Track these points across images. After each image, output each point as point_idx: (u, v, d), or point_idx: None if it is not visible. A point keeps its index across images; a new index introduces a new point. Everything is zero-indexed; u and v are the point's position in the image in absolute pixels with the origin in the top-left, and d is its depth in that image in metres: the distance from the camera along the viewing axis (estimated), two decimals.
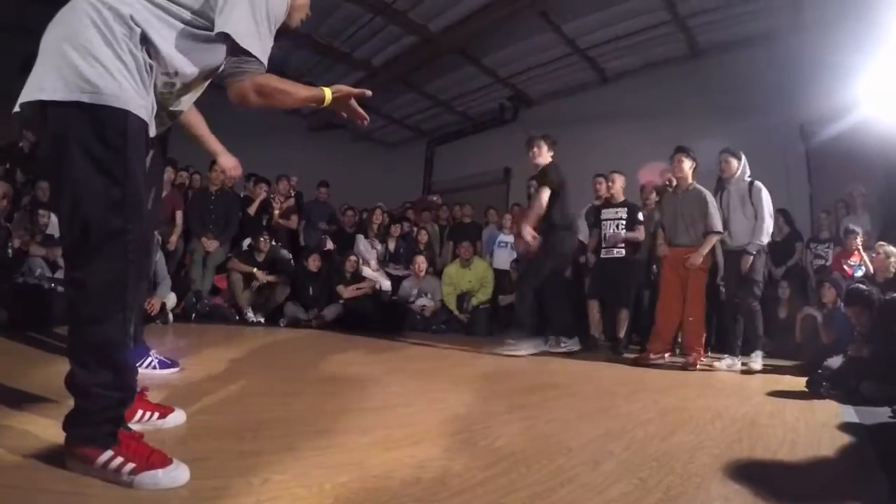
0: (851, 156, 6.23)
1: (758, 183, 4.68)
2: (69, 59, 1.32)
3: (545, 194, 5.01)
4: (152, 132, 1.52)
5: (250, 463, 1.51)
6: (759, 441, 2.24)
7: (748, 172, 4.78)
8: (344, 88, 1.71)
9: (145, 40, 1.39)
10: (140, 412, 1.71)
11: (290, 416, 2.10)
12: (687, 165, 4.90)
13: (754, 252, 4.58)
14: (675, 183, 5.05)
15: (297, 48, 9.07)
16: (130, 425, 1.56)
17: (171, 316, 5.20)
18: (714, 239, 4.76)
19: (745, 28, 7.53)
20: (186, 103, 1.68)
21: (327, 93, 1.68)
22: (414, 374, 3.53)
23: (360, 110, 1.81)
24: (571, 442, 2.02)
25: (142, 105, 1.40)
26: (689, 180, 4.92)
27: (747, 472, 1.77)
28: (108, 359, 1.35)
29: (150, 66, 1.43)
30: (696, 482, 1.65)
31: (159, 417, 1.76)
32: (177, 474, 1.32)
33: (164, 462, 1.33)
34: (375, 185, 10.68)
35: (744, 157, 4.78)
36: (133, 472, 1.29)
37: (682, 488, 1.58)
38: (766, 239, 4.62)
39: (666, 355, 4.98)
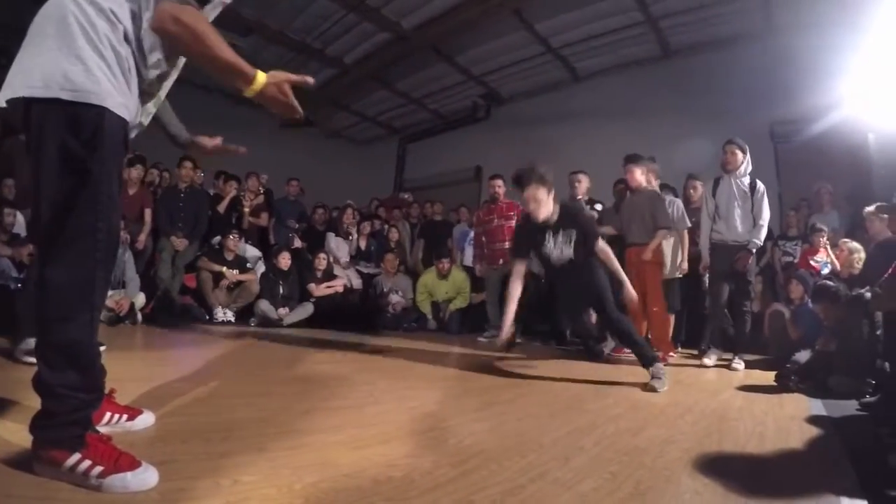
0: (819, 155, 6.37)
1: (761, 184, 4.63)
2: (51, 55, 1.30)
3: None
4: (134, 131, 1.51)
5: (219, 464, 1.49)
6: (728, 435, 2.26)
7: (751, 168, 4.72)
8: (281, 75, 1.51)
9: (127, 36, 1.38)
10: (108, 414, 1.67)
11: (260, 416, 2.06)
12: (638, 173, 5.05)
13: (754, 251, 4.58)
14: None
15: (269, 44, 8.95)
16: (99, 428, 1.52)
17: (139, 316, 5.09)
18: (663, 234, 4.89)
19: (716, 30, 7.62)
20: (166, 88, 1.65)
21: (260, 76, 1.46)
22: (384, 373, 3.49)
23: (296, 103, 1.55)
24: (542, 438, 2.01)
25: (121, 103, 1.37)
26: (643, 184, 5.06)
27: (717, 466, 1.79)
28: (74, 359, 1.32)
29: (136, 61, 1.41)
30: (665, 476, 1.66)
31: (128, 419, 1.73)
32: (145, 477, 1.30)
33: (133, 465, 1.31)
34: (347, 183, 10.57)
35: (748, 152, 4.71)
36: (101, 475, 1.27)
37: (652, 482, 1.59)
38: (762, 240, 4.63)
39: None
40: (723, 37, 7.66)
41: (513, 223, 6.23)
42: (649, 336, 5.12)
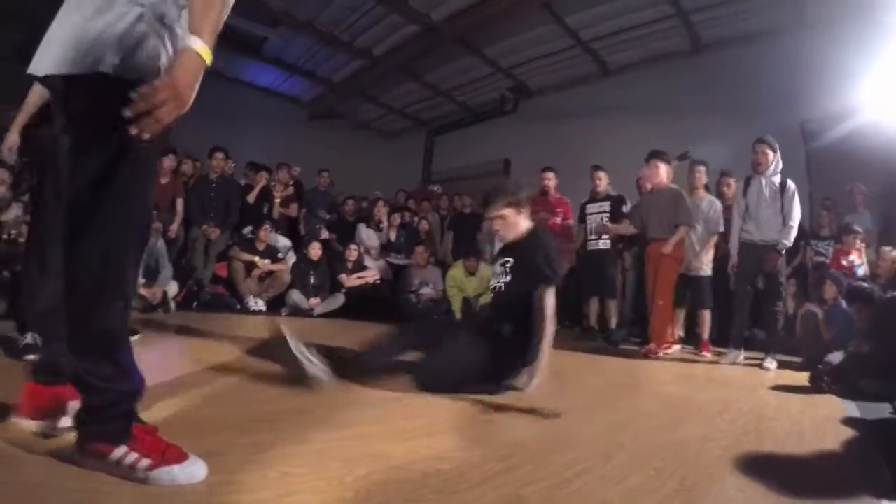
0: (851, 155, 6.22)
1: (791, 183, 4.58)
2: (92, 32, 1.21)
3: None
4: None
5: (265, 456, 1.49)
6: (766, 434, 2.27)
7: (780, 167, 4.67)
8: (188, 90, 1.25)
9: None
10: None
11: (301, 407, 2.09)
12: (662, 170, 5.02)
13: (783, 251, 4.54)
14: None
15: (297, 36, 9.03)
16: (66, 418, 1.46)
17: (172, 304, 5.18)
18: (683, 231, 4.86)
19: (747, 24, 7.48)
20: None
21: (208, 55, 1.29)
22: None
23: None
24: (581, 434, 2.04)
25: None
26: (665, 182, 5.04)
27: (757, 465, 1.80)
28: (108, 350, 1.28)
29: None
30: (708, 473, 1.68)
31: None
32: (193, 470, 1.29)
33: (181, 457, 1.29)
34: (374, 175, 10.61)
35: (778, 150, 4.66)
36: (149, 468, 1.25)
37: (696, 479, 1.61)
38: (793, 240, 4.58)
39: (675, 347, 5.10)
40: (754, 31, 7.52)
41: (558, 220, 6.27)
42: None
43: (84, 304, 1.26)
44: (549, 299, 2.77)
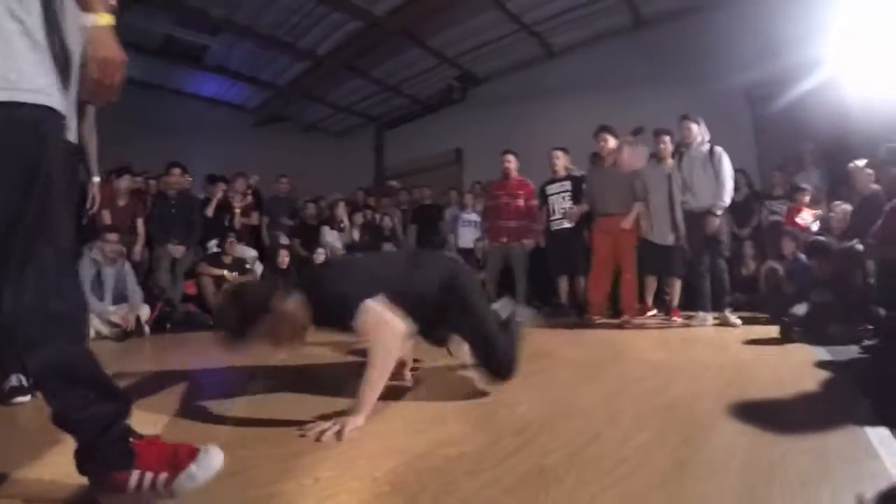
0: (796, 116, 6.50)
1: (718, 148, 4.89)
2: None
3: None
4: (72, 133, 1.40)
5: (294, 465, 1.52)
6: (749, 384, 2.42)
7: (707, 137, 5.00)
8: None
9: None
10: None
11: (309, 412, 2.07)
12: (611, 142, 5.41)
13: (719, 213, 4.79)
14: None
15: (239, 41, 8.86)
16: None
17: (147, 328, 5.08)
18: (640, 206, 5.25)
19: None
20: None
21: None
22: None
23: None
24: (581, 403, 2.15)
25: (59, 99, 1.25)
26: (615, 154, 5.40)
27: (748, 411, 1.93)
28: (73, 376, 1.21)
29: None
30: (705, 425, 1.80)
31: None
32: (209, 460, 1.26)
33: (192, 454, 1.25)
34: (327, 175, 10.59)
35: (702, 123, 5.01)
36: (167, 482, 1.21)
37: (695, 431, 1.73)
38: (728, 200, 4.84)
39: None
40: (694, 3, 7.69)
41: (521, 202, 6.35)
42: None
43: (29, 341, 1.20)
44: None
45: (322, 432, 1.77)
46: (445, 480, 1.37)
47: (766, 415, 1.89)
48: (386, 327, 1.99)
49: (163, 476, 1.21)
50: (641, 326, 5.01)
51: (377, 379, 1.94)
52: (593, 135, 5.53)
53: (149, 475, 1.21)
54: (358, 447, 1.68)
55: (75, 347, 1.25)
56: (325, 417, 1.90)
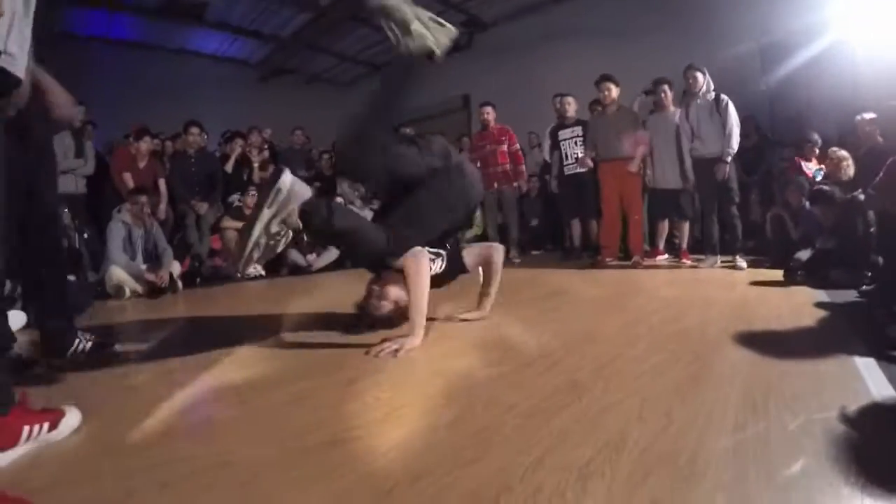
0: (806, 68, 6.56)
1: (724, 96, 5.02)
2: None
3: None
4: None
5: (351, 390, 1.74)
6: (753, 318, 2.64)
7: (713, 86, 5.13)
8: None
9: None
10: (26, 429, 1.33)
11: (350, 351, 2.25)
12: (614, 91, 5.60)
13: (728, 160, 4.95)
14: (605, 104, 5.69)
15: None
16: (18, 447, 1.31)
17: (180, 284, 5.26)
18: (643, 150, 5.47)
19: None
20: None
21: None
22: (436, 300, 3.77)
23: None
24: (603, 331, 2.41)
25: None
26: (617, 102, 5.61)
27: (750, 340, 2.16)
28: None
29: None
30: (712, 348, 2.03)
31: (50, 428, 1.39)
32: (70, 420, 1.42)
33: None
34: (334, 126, 10.61)
35: (707, 72, 5.14)
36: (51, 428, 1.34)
37: (704, 353, 1.96)
38: (735, 147, 4.99)
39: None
40: None
41: (504, 148, 6.62)
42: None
43: None
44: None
45: (384, 351, 2.08)
46: (491, 394, 1.60)
47: (767, 343, 2.11)
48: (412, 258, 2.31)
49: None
50: (653, 267, 5.30)
51: (420, 298, 2.25)
52: (595, 83, 5.66)
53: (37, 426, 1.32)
54: (407, 371, 1.92)
55: None
56: (388, 340, 2.18)
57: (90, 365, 2.13)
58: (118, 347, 2.45)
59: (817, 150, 5.76)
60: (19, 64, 1.34)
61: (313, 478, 1.11)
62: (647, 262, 5.48)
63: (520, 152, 6.83)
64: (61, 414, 1.43)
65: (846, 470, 1.04)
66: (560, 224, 6.92)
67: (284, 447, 1.27)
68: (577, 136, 6.29)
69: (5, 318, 1.47)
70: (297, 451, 1.24)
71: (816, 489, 0.99)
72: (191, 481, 1.12)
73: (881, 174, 3.30)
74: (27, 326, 2.54)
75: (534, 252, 7.43)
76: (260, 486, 1.09)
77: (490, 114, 6.76)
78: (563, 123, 6.51)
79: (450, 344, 2.32)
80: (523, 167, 6.89)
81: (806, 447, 1.15)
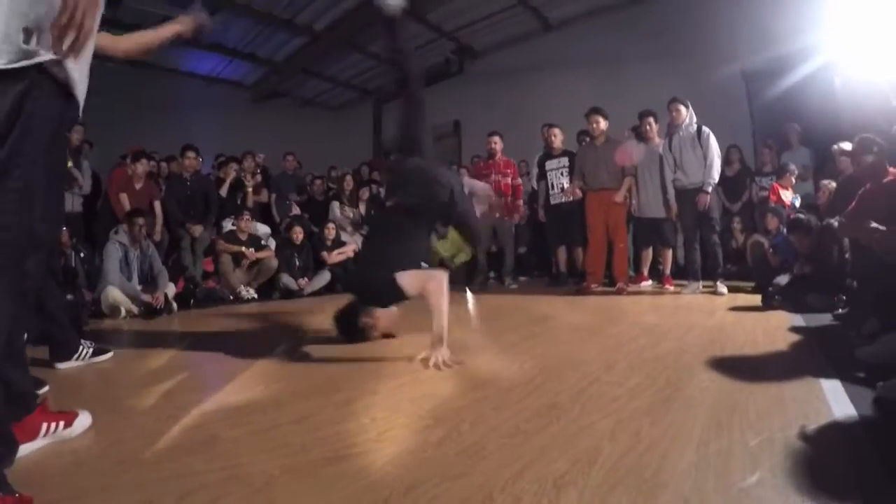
0: (790, 97, 6.77)
1: (705, 128, 5.26)
2: None
3: None
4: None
5: (349, 410, 1.83)
6: (727, 343, 2.79)
7: (695, 118, 5.37)
8: None
9: None
10: (44, 426, 1.52)
11: (346, 372, 2.44)
12: (603, 124, 5.77)
13: (709, 190, 5.16)
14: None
15: (236, 18, 8.89)
16: (37, 441, 1.49)
17: (174, 305, 5.30)
18: (630, 181, 5.72)
19: None
20: None
21: None
22: (421, 325, 3.88)
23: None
24: (582, 357, 2.53)
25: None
26: (605, 134, 5.82)
27: (723, 364, 2.30)
28: None
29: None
30: (687, 373, 2.16)
31: (65, 426, 1.58)
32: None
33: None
34: (326, 150, 10.72)
35: (690, 106, 5.39)
36: None
37: (678, 377, 2.09)
38: (716, 177, 5.22)
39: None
40: None
41: (508, 181, 6.72)
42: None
43: None
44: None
45: (432, 362, 2.40)
46: (477, 414, 1.72)
47: (738, 367, 2.25)
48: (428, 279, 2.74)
49: None
50: (637, 293, 5.48)
51: (445, 315, 2.59)
52: (585, 115, 5.85)
53: None
54: (401, 393, 2.05)
55: None
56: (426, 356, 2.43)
57: (91, 384, 2.22)
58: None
59: (793, 177, 5.97)
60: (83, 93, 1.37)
61: (318, 489, 1.23)
62: (632, 288, 5.66)
63: (521, 186, 6.96)
64: (75, 415, 1.63)
65: (798, 481, 1.17)
66: (547, 251, 7.08)
67: (290, 462, 1.38)
68: (564, 167, 6.46)
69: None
70: (302, 466, 1.36)
71: (767, 499, 1.11)
72: (205, 492, 1.22)
73: (852, 205, 3.47)
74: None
75: (521, 278, 7.55)
76: (270, 496, 1.20)
77: (498, 143, 6.82)
78: (549, 154, 6.68)
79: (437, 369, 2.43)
80: (521, 202, 7.05)
81: (763, 461, 1.28)
